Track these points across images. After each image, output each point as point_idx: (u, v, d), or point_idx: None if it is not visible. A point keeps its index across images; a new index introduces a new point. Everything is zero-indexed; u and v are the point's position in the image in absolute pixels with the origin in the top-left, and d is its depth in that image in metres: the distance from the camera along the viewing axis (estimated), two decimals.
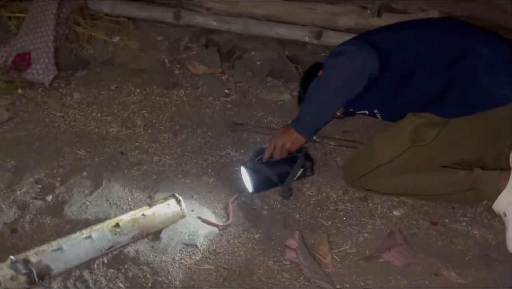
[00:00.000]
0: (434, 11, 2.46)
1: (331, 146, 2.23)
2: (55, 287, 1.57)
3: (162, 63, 2.73)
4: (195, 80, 2.66)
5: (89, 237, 1.60)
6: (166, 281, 1.61)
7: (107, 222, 1.66)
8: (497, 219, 1.84)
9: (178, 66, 2.73)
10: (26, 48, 2.67)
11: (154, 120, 2.39)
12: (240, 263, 1.68)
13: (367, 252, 1.74)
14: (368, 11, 2.52)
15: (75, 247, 1.58)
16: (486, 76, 1.67)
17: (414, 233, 1.82)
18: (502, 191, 1.73)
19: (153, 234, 1.75)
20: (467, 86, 1.68)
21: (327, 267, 1.67)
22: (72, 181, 2.00)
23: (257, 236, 1.79)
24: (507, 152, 1.82)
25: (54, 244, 1.56)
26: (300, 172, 1.94)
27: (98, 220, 1.78)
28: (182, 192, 1.93)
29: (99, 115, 2.43)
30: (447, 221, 1.87)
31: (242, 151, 2.20)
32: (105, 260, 1.66)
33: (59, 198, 1.91)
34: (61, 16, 2.71)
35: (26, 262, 1.49)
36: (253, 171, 1.91)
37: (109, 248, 1.63)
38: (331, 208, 1.92)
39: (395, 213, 1.89)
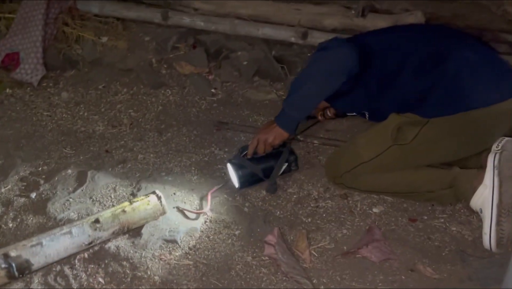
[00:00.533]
0: (418, 11, 2.49)
1: (315, 145, 2.26)
2: (36, 281, 1.59)
3: (149, 63, 2.76)
4: (182, 80, 2.69)
5: (69, 232, 1.62)
6: (145, 276, 1.63)
7: (88, 217, 1.69)
8: (475, 215, 1.87)
9: (165, 66, 2.76)
10: (15, 48, 2.71)
11: (140, 119, 2.42)
12: (219, 258, 1.71)
13: (345, 248, 1.76)
14: (353, 11, 2.55)
15: (55, 242, 1.60)
16: (467, 79, 1.71)
17: (393, 229, 1.84)
18: (478, 188, 1.76)
19: (134, 230, 1.77)
20: (449, 88, 1.72)
21: (304, 262, 1.69)
22: (56, 178, 2.03)
23: (237, 232, 1.81)
24: (487, 152, 1.85)
25: (34, 239, 1.59)
26: (284, 166, 1.97)
27: (81, 217, 1.81)
28: (165, 189, 1.96)
29: (86, 114, 2.46)
30: (425, 218, 1.89)
31: (226, 149, 2.22)
32: (86, 256, 1.68)
33: (43, 195, 1.94)
34: (50, 17, 2.75)
35: (6, 256, 1.51)
36: (238, 167, 1.94)
37: (89, 243, 1.66)
38: (312, 205, 1.95)
39: (375, 210, 1.92)
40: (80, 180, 2.02)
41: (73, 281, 1.60)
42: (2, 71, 2.70)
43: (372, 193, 1.97)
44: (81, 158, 2.15)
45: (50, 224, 1.80)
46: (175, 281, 1.62)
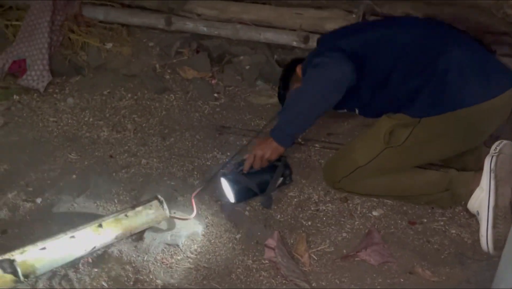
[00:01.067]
0: (418, 14, 2.50)
1: (316, 148, 2.28)
2: (41, 285, 1.63)
3: (153, 69, 2.79)
4: (185, 85, 2.72)
5: (73, 237, 1.66)
6: (148, 279, 1.66)
7: (91, 223, 1.72)
8: (475, 218, 1.88)
9: (169, 71, 2.79)
10: (22, 55, 2.74)
11: (144, 124, 2.45)
12: (220, 262, 1.73)
13: (344, 251, 1.78)
14: (354, 15, 2.57)
15: (60, 247, 1.63)
16: (456, 78, 1.72)
17: (392, 232, 1.86)
18: (475, 190, 1.77)
19: (137, 234, 1.81)
20: (438, 87, 1.73)
21: (304, 265, 1.72)
22: (61, 183, 2.06)
23: (238, 236, 1.84)
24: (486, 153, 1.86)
25: (39, 244, 1.62)
26: (280, 181, 1.98)
27: (85, 222, 1.84)
28: (167, 194, 1.99)
29: (91, 119, 2.50)
30: (425, 220, 1.90)
31: (228, 154, 2.24)
32: (90, 260, 1.71)
33: (48, 200, 1.98)
34: (56, 24, 2.79)
35: (12, 261, 1.55)
36: (233, 182, 1.93)
37: (92, 248, 1.69)
38: (312, 208, 1.97)
39: (374, 213, 1.93)
40: (85, 185, 2.06)
41: (77, 285, 1.63)
42: (9, 78, 2.74)
43: (372, 196, 1.99)
44: (86, 163, 2.19)
45: (55, 229, 1.83)
46: (176, 284, 1.65)
